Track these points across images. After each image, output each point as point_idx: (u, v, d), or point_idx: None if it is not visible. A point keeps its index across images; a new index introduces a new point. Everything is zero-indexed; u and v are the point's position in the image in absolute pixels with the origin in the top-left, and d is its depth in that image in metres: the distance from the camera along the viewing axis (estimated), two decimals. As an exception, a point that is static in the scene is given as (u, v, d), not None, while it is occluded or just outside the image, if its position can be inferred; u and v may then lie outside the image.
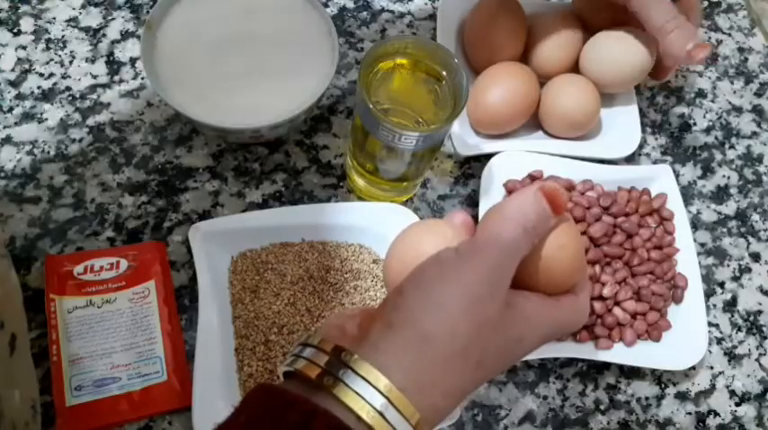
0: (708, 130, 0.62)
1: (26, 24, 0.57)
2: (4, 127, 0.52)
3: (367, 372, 0.26)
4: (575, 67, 0.56)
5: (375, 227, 0.50)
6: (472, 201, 0.55)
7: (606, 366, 0.50)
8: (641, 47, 0.53)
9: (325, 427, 0.24)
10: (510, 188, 0.52)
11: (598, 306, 0.49)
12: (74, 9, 0.58)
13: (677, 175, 0.58)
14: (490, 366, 0.30)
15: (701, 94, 0.64)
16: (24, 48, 0.56)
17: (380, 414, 0.25)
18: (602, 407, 0.49)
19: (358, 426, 0.25)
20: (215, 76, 0.49)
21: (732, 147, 0.62)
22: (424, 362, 0.27)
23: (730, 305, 0.55)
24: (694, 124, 0.62)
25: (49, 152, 0.52)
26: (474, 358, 0.28)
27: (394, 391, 0.26)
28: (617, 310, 0.49)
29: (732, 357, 0.53)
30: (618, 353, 0.49)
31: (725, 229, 0.58)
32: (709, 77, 0.65)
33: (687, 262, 0.52)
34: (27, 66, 0.55)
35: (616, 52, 0.53)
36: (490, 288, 0.29)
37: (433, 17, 0.62)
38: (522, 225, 0.30)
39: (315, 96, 0.48)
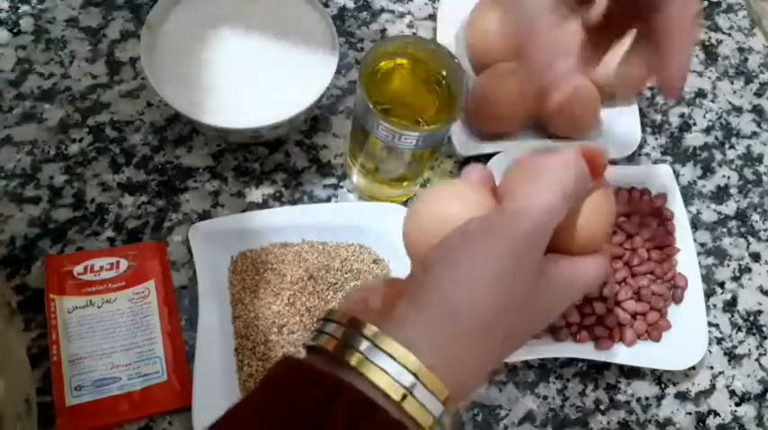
0: (708, 130, 0.62)
1: (26, 24, 0.57)
2: (5, 127, 0.52)
3: (394, 349, 0.25)
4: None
5: (375, 227, 0.50)
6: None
7: (606, 366, 0.50)
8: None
9: (349, 402, 0.24)
10: (510, 188, 0.52)
11: (598, 306, 0.49)
12: (74, 9, 0.58)
13: (677, 175, 0.58)
14: (518, 339, 0.29)
15: (700, 94, 0.64)
16: (24, 48, 0.56)
17: (410, 391, 0.25)
18: (602, 407, 0.49)
19: (386, 404, 0.24)
20: (215, 76, 0.49)
21: (732, 147, 0.62)
22: (451, 339, 0.26)
23: (730, 305, 0.55)
24: (694, 124, 0.62)
25: (49, 152, 0.52)
26: (501, 333, 0.28)
27: (423, 369, 0.25)
28: (617, 310, 0.49)
29: (732, 357, 0.53)
30: (618, 353, 0.49)
31: (725, 229, 0.58)
32: (709, 77, 0.65)
33: (687, 262, 0.52)
34: (27, 66, 0.55)
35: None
36: (520, 262, 0.27)
37: (433, 17, 0.62)
38: (560, 193, 0.28)
39: (315, 96, 0.48)
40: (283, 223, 0.49)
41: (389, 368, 0.25)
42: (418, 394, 0.25)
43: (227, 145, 0.54)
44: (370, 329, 0.26)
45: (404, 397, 0.25)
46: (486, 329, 0.27)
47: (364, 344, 0.26)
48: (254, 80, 0.49)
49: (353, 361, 0.25)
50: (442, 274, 0.27)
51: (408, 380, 0.25)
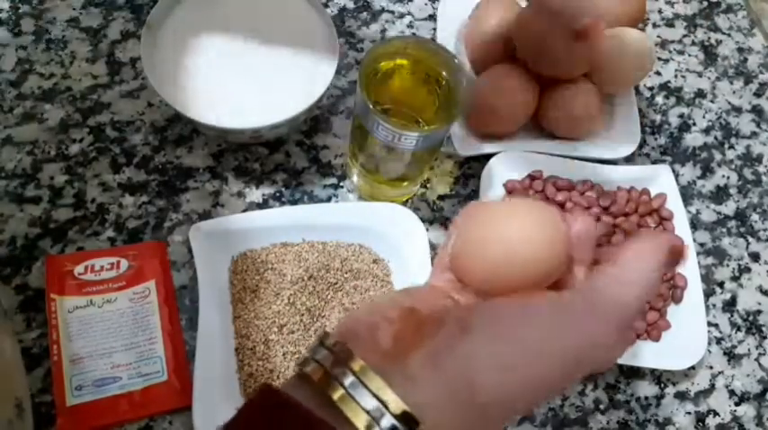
0: (707, 130, 0.62)
1: (27, 24, 0.57)
2: (5, 127, 0.52)
3: (402, 413, 0.22)
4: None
5: (375, 227, 0.50)
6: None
7: (606, 366, 0.50)
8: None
9: None
10: (510, 188, 0.52)
11: (598, 306, 0.49)
12: (74, 9, 0.58)
13: (677, 175, 0.58)
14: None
15: (700, 94, 0.64)
16: (25, 48, 0.56)
17: None
18: (601, 407, 0.50)
19: None
20: (215, 76, 0.49)
21: (731, 147, 0.62)
22: (460, 413, 0.23)
23: (730, 305, 0.55)
24: (694, 124, 0.62)
25: (49, 152, 0.52)
26: (521, 411, 0.27)
27: (407, 414, 0.22)
28: (617, 310, 0.49)
29: (731, 357, 0.53)
30: (617, 353, 0.49)
31: (724, 229, 0.58)
32: (709, 78, 0.65)
33: (687, 262, 0.52)
34: (28, 66, 0.55)
35: (619, 49, 0.54)
36: (578, 361, 0.25)
37: (433, 17, 0.62)
38: (643, 293, 0.26)
39: (315, 96, 0.48)
40: (283, 223, 0.49)
41: (370, 406, 0.22)
42: None
43: (227, 145, 0.54)
44: (358, 364, 0.23)
45: None
46: (505, 415, 0.25)
47: (349, 379, 0.23)
48: (255, 80, 0.49)
49: (336, 396, 0.23)
50: (480, 347, 0.24)
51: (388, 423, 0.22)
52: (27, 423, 0.41)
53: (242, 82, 0.49)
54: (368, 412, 0.22)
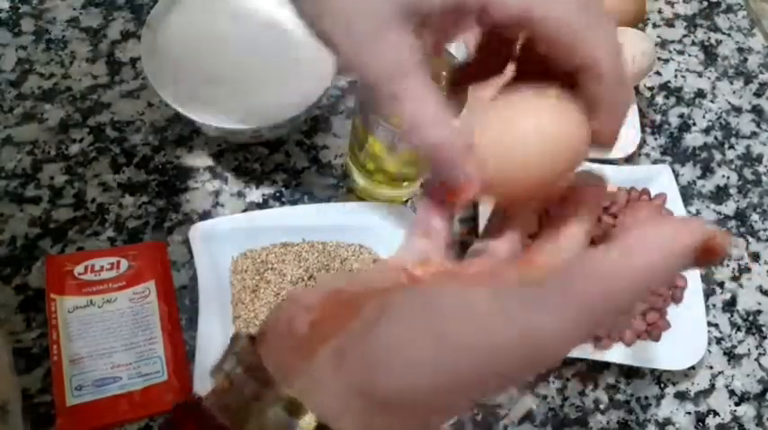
0: (707, 131, 0.62)
1: (27, 24, 0.57)
2: (5, 127, 0.52)
3: (301, 414, 0.20)
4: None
5: (375, 227, 0.50)
6: (472, 202, 0.55)
7: (606, 366, 0.50)
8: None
9: None
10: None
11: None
12: (74, 9, 0.58)
13: (677, 175, 0.58)
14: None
15: (700, 94, 0.64)
16: (25, 48, 0.56)
17: None
18: (601, 407, 0.50)
19: None
20: (215, 76, 0.49)
21: (731, 147, 0.62)
22: (366, 423, 0.21)
23: (730, 305, 0.55)
24: (694, 124, 0.62)
25: (49, 152, 0.52)
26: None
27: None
28: (616, 310, 0.49)
29: (731, 357, 0.53)
30: (617, 353, 0.49)
31: (724, 229, 0.58)
32: (709, 77, 0.65)
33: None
34: (28, 66, 0.55)
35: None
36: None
37: (432, 17, 0.62)
38: (640, 290, 0.19)
39: (315, 96, 0.48)
40: (283, 223, 0.49)
41: (277, 418, 0.20)
42: None
43: (227, 145, 0.54)
44: (265, 374, 0.21)
45: None
46: (425, 416, 0.22)
47: (251, 388, 0.21)
48: (255, 80, 0.49)
49: (242, 410, 0.21)
50: (392, 337, 0.21)
51: None
52: (13, 425, 0.41)
53: (243, 82, 0.49)
54: (275, 424, 0.20)
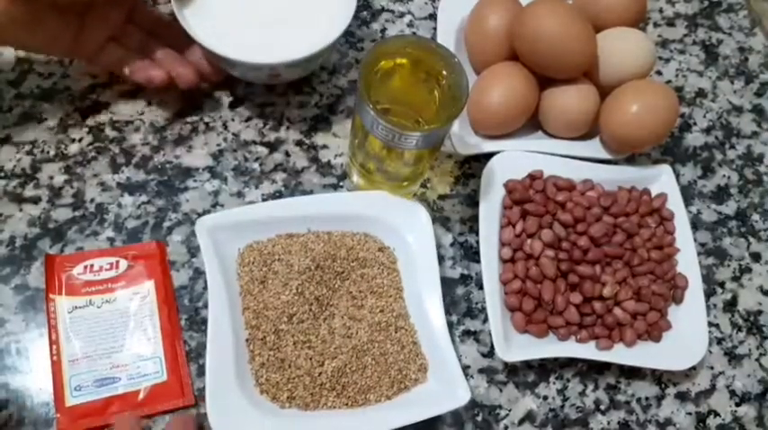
0: (708, 130, 0.62)
1: (26, 24, 0.57)
2: (4, 127, 0.52)
3: None
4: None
5: (380, 215, 0.50)
6: (472, 201, 0.55)
7: (606, 366, 0.50)
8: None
9: None
10: (510, 188, 0.52)
11: (598, 306, 0.49)
12: (74, 9, 0.58)
13: (677, 175, 0.58)
14: None
15: (701, 93, 0.64)
16: (24, 47, 0.56)
17: None
18: (602, 408, 0.49)
19: None
20: (237, 12, 0.50)
21: (732, 146, 0.62)
22: None
23: (730, 305, 0.55)
24: (694, 124, 0.62)
25: (48, 152, 0.52)
26: None
27: None
28: (617, 310, 0.49)
29: (732, 357, 0.53)
30: (618, 354, 0.49)
31: (725, 229, 0.58)
32: (710, 77, 0.65)
33: (687, 262, 0.52)
34: (27, 65, 0.55)
35: (620, 48, 0.54)
36: None
37: (433, 17, 0.62)
38: None
39: (333, 37, 0.48)
40: (288, 214, 0.50)
41: None
42: None
43: (226, 144, 0.54)
44: None
45: None
46: None
47: None
48: (275, 19, 0.50)
49: None
50: None
51: None
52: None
53: (263, 20, 0.50)
54: None
